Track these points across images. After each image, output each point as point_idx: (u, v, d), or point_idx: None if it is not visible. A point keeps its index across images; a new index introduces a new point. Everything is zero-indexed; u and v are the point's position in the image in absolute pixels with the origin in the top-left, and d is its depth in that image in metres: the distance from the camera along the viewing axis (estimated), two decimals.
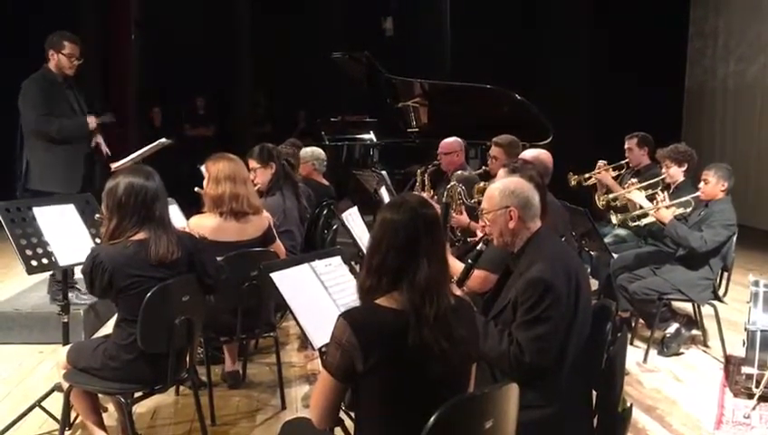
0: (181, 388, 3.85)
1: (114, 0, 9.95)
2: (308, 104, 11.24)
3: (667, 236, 4.69)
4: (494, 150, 4.92)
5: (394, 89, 8.38)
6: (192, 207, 4.13)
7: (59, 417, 3.23)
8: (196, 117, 11.11)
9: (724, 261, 4.47)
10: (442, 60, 11.18)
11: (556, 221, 3.61)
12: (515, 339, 2.46)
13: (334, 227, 5.40)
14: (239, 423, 3.64)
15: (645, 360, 4.51)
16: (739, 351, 4.14)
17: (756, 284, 4.03)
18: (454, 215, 4.64)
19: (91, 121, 4.75)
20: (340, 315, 1.98)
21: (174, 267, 2.85)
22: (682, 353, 4.66)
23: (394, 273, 2.00)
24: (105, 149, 4.87)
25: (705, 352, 4.73)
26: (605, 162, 5.66)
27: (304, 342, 4.50)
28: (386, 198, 5.34)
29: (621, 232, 5.44)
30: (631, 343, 4.65)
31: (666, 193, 4.69)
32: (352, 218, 4.39)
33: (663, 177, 4.97)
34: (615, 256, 4.92)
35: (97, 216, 3.25)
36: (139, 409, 3.58)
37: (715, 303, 4.49)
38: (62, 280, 3.51)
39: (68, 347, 3.09)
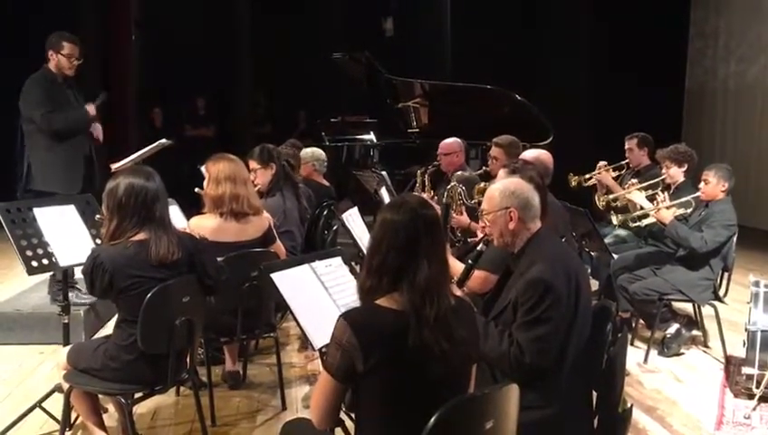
0: (181, 388, 3.85)
1: (114, 0, 9.95)
2: (308, 105, 11.24)
3: (667, 237, 4.69)
4: (494, 151, 4.92)
5: (394, 89, 8.38)
6: (192, 207, 4.13)
7: (59, 418, 3.23)
8: (197, 117, 11.11)
9: (725, 261, 4.47)
10: (442, 60, 11.17)
11: (556, 222, 3.61)
12: (515, 340, 2.46)
13: (334, 227, 5.40)
14: (239, 424, 3.64)
15: (645, 360, 4.51)
16: (739, 351, 4.14)
17: (757, 284, 4.03)
18: (454, 215, 4.64)
19: (91, 109, 4.76)
20: (340, 316, 1.98)
21: (174, 268, 2.85)
22: (682, 354, 4.66)
23: (394, 273, 2.00)
24: (100, 135, 4.86)
25: (705, 352, 4.73)
26: (605, 163, 5.67)
27: (305, 342, 4.49)
28: (386, 198, 5.34)
29: (622, 232, 5.44)
30: (632, 344, 4.65)
31: (666, 193, 4.69)
32: (352, 219, 4.39)
33: (663, 177, 4.97)
34: (615, 256, 4.92)
35: (97, 216, 3.25)
36: (140, 409, 3.58)
37: (716, 303, 4.49)
38: (63, 280, 3.51)
39: (68, 348, 3.09)
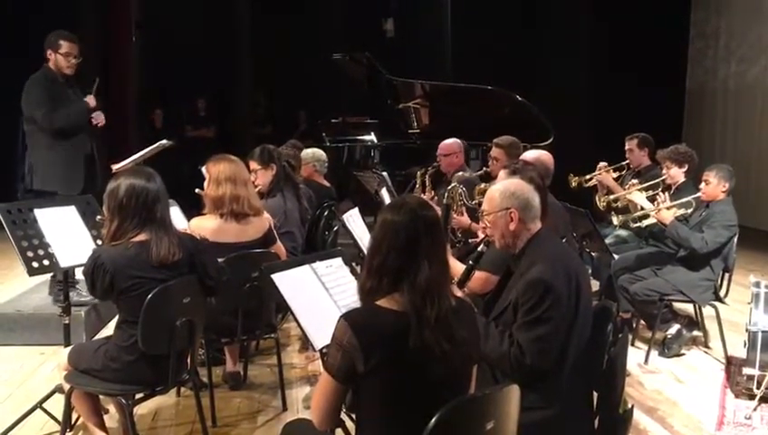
0: (182, 389, 3.85)
1: (114, 0, 9.95)
2: (308, 105, 11.24)
3: (668, 237, 4.70)
4: (494, 152, 4.92)
5: (395, 90, 8.37)
6: (193, 208, 4.13)
7: (60, 418, 3.23)
8: (198, 118, 11.11)
9: (726, 262, 4.47)
10: (442, 61, 11.17)
11: (557, 222, 3.61)
12: (516, 340, 2.46)
13: (335, 228, 5.40)
14: (240, 425, 3.64)
15: (646, 361, 4.50)
16: (740, 352, 4.13)
17: (757, 285, 4.03)
18: (455, 216, 4.64)
19: (91, 101, 4.75)
20: (340, 317, 1.98)
21: (175, 269, 2.85)
22: (683, 354, 4.66)
23: (395, 274, 2.00)
24: (101, 120, 4.85)
25: (706, 353, 4.73)
26: (606, 163, 5.67)
27: (305, 343, 4.50)
28: (387, 199, 5.34)
29: (622, 233, 5.44)
30: (632, 344, 4.65)
31: (666, 194, 4.69)
32: (353, 220, 4.40)
33: (664, 178, 4.97)
34: (616, 256, 4.92)
35: (98, 217, 3.26)
36: (140, 410, 3.59)
37: (716, 304, 4.49)
38: (63, 281, 3.51)
39: (69, 349, 3.09)
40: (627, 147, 5.68)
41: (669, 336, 4.66)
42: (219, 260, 3.30)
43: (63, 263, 3.24)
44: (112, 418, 3.40)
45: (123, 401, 2.88)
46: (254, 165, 4.49)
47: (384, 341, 1.94)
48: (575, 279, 2.53)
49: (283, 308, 3.66)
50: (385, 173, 6.49)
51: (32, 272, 3.15)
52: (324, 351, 2.49)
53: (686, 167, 4.86)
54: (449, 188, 4.71)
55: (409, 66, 9.39)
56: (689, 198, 4.58)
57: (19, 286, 5.51)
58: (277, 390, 3.91)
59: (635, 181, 5.20)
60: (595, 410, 2.57)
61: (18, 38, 7.96)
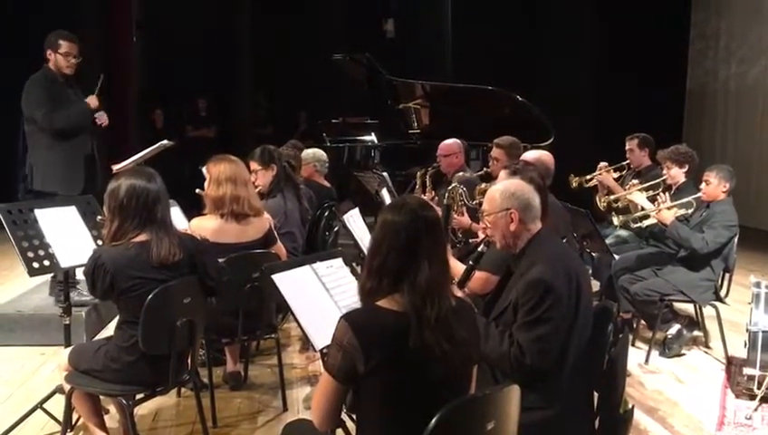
0: (183, 390, 3.85)
1: (115, 1, 9.96)
2: (309, 106, 11.25)
3: (668, 238, 4.69)
4: (495, 152, 4.93)
5: (395, 90, 8.38)
6: (193, 208, 4.13)
7: (61, 419, 3.23)
8: (198, 118, 11.12)
9: (726, 262, 4.47)
10: (443, 61, 11.18)
11: (557, 222, 3.61)
12: (516, 340, 2.46)
13: (335, 228, 5.40)
14: (240, 425, 3.64)
15: (646, 361, 4.50)
16: (741, 352, 4.14)
17: (758, 285, 4.03)
18: (455, 216, 4.64)
19: (92, 101, 4.74)
20: (341, 317, 1.98)
21: (176, 269, 2.85)
22: (683, 355, 4.66)
23: (395, 274, 2.00)
24: (105, 120, 4.84)
25: (706, 353, 4.72)
26: (606, 164, 5.67)
27: (306, 343, 4.50)
28: (387, 199, 5.34)
29: (623, 233, 5.44)
30: (633, 345, 4.66)
31: (667, 194, 4.69)
32: (354, 220, 4.40)
33: (664, 178, 4.97)
34: (616, 257, 4.91)
35: (99, 217, 3.26)
36: (141, 410, 3.59)
37: (717, 304, 4.49)
38: (64, 281, 3.51)
39: (69, 349, 3.09)
40: (627, 147, 5.68)
41: (670, 336, 4.66)
42: (220, 260, 3.30)
43: (64, 263, 3.24)
44: (113, 418, 3.40)
45: (124, 401, 2.88)
46: (254, 165, 4.49)
47: (384, 341, 1.94)
48: (575, 279, 2.53)
49: (284, 308, 3.67)
50: (385, 173, 6.50)
51: (32, 272, 3.15)
52: (325, 351, 2.49)
53: (687, 167, 4.86)
54: (450, 188, 4.70)
55: (410, 66, 9.39)
56: (690, 199, 4.58)
57: (19, 287, 5.51)
58: (278, 390, 3.91)
59: (635, 181, 5.20)
60: (595, 410, 2.57)
61: (18, 38, 7.97)
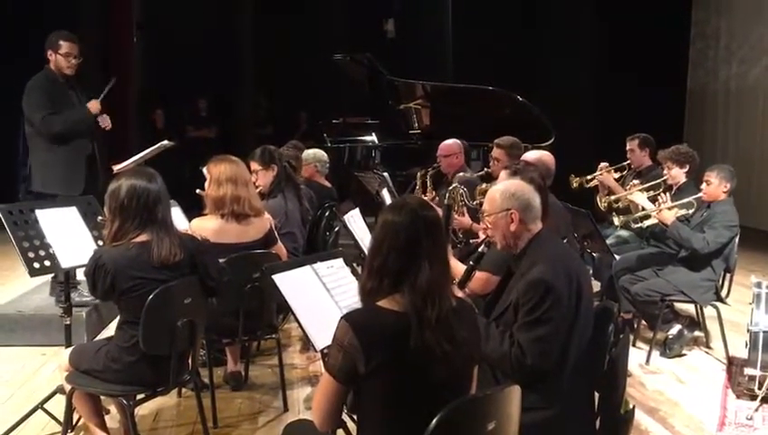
0: (183, 390, 3.85)
1: (115, 2, 9.96)
2: (309, 106, 11.25)
3: (669, 238, 4.69)
4: (495, 152, 4.93)
5: (396, 91, 8.38)
6: (194, 208, 4.13)
7: (61, 419, 3.24)
8: (199, 119, 11.12)
9: (727, 262, 4.47)
10: (444, 61, 11.17)
11: (558, 223, 3.61)
12: (517, 340, 2.46)
13: (336, 228, 5.40)
14: (241, 425, 3.64)
15: (647, 361, 4.50)
16: (742, 352, 4.13)
17: (759, 285, 4.02)
18: (456, 217, 4.64)
19: (93, 106, 4.72)
20: (341, 317, 1.98)
21: (176, 269, 2.85)
22: (684, 355, 4.65)
23: (395, 275, 2.00)
24: (107, 124, 4.83)
25: (707, 353, 4.72)
26: (607, 164, 5.67)
27: (306, 343, 4.50)
28: (388, 199, 5.35)
29: (623, 233, 5.44)
30: (634, 345, 4.66)
31: (668, 194, 4.69)
32: (354, 220, 4.40)
33: (665, 178, 4.97)
34: (617, 257, 4.91)
35: (99, 218, 3.26)
36: (142, 411, 3.59)
37: (718, 304, 4.48)
38: (64, 282, 3.51)
39: (70, 349, 3.09)
40: (628, 147, 5.68)
41: (671, 337, 4.65)
42: (220, 261, 3.30)
43: (65, 263, 3.24)
44: (113, 418, 3.40)
45: (124, 401, 2.88)
46: (255, 166, 4.49)
47: (385, 341, 1.94)
48: (576, 280, 2.53)
49: (285, 309, 3.67)
50: (386, 174, 6.50)
51: (33, 273, 3.15)
52: (325, 351, 2.49)
53: (688, 167, 4.86)
54: (450, 188, 4.71)
55: (410, 67, 9.40)
56: (690, 199, 4.58)
57: (20, 287, 5.51)
58: (278, 390, 3.91)
59: (636, 182, 5.20)
60: (596, 410, 2.57)
61: (18, 39, 7.97)
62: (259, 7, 11.33)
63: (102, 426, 3.09)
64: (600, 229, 4.72)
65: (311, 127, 10.71)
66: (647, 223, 4.82)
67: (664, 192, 4.77)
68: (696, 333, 4.77)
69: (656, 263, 4.75)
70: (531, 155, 4.28)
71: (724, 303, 4.52)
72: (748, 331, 3.89)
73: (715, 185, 4.43)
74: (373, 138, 8.52)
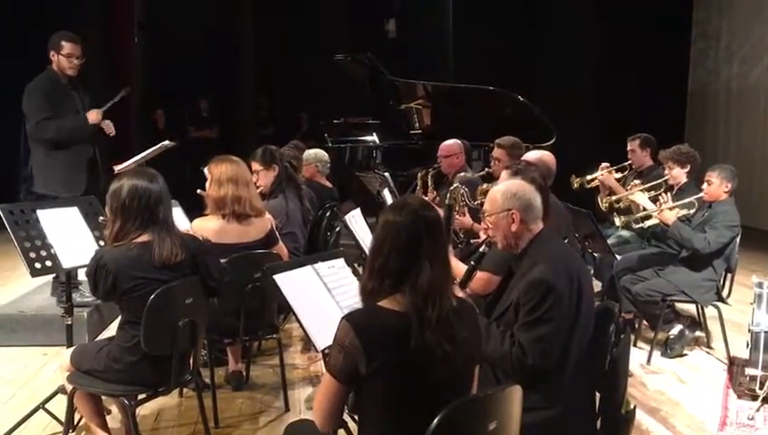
0: (185, 390, 3.86)
1: (116, 2, 9.96)
2: (310, 106, 11.26)
3: (670, 238, 4.69)
4: (496, 152, 4.92)
5: (397, 91, 8.38)
6: (195, 209, 4.13)
7: (63, 419, 3.25)
8: (200, 119, 11.13)
9: (728, 262, 4.46)
10: (445, 61, 11.18)
11: (559, 223, 3.61)
12: (517, 340, 2.46)
13: (337, 228, 5.40)
14: (242, 425, 3.64)
15: (648, 361, 4.50)
16: (743, 352, 4.13)
17: (760, 285, 4.02)
18: (457, 217, 4.64)
19: (92, 117, 4.68)
20: (343, 317, 1.98)
21: (178, 269, 2.86)
22: (685, 355, 4.65)
23: (396, 275, 2.00)
24: (111, 130, 4.82)
25: (708, 353, 4.72)
26: (608, 164, 5.66)
27: (307, 344, 4.50)
28: (389, 199, 5.35)
29: (625, 234, 5.44)
30: (635, 345, 4.66)
31: (669, 194, 4.69)
32: (355, 220, 4.40)
33: (666, 178, 4.97)
34: (618, 257, 4.91)
35: (101, 218, 3.26)
36: (143, 411, 3.59)
37: (719, 304, 4.48)
38: (66, 282, 3.51)
39: (72, 349, 3.10)
40: (629, 147, 5.68)
41: (672, 337, 4.65)
42: (222, 261, 3.31)
43: (66, 264, 3.25)
44: (115, 418, 3.40)
45: (126, 401, 2.88)
46: (256, 166, 4.49)
47: (386, 342, 1.94)
48: (577, 280, 2.53)
49: (286, 309, 3.67)
50: (387, 174, 6.50)
51: (34, 273, 3.15)
52: (326, 351, 2.49)
53: (689, 167, 4.86)
54: (452, 188, 4.71)
55: (411, 67, 9.40)
56: (692, 199, 4.58)
57: (22, 287, 5.52)
58: (279, 390, 3.92)
59: (637, 182, 5.20)
60: (597, 410, 2.57)
61: (19, 39, 7.97)
62: (259, 7, 11.34)
63: (104, 426, 3.09)
64: (601, 229, 4.72)
65: (312, 127, 10.73)
66: (648, 223, 4.82)
67: (665, 192, 4.77)
68: (698, 333, 4.77)
69: (657, 263, 4.75)
70: (532, 155, 4.28)
71: (726, 303, 4.52)
72: (749, 331, 3.89)
73: (717, 185, 4.43)
74: (374, 138, 8.52)
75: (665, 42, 10.29)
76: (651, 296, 4.48)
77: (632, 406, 2.51)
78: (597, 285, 4.89)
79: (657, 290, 4.48)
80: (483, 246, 2.91)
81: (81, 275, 4.05)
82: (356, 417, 2.15)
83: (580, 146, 8.44)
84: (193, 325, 2.94)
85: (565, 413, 2.46)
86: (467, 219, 4.65)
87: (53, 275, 4.46)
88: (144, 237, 2.80)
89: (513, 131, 5.10)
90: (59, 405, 3.35)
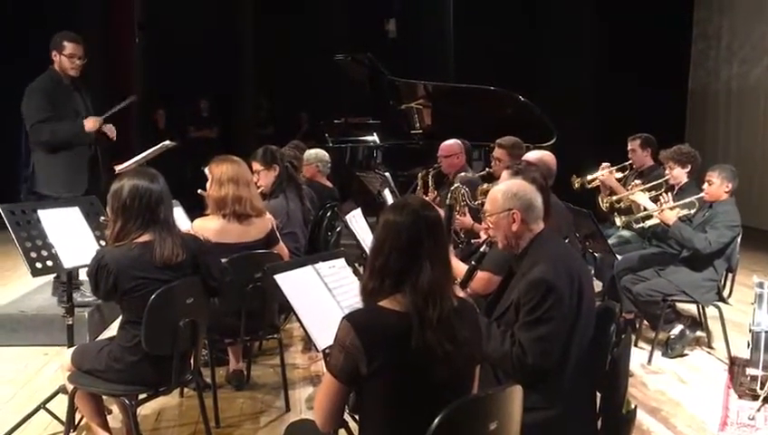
0: (185, 390, 3.86)
1: (116, 2, 9.96)
2: (310, 106, 11.25)
3: (671, 238, 4.69)
4: (497, 152, 4.92)
5: (397, 91, 8.37)
6: (196, 209, 4.13)
7: (64, 419, 3.25)
8: (200, 119, 11.13)
9: (729, 262, 4.47)
10: (445, 61, 11.17)
11: (560, 223, 3.61)
12: (518, 340, 2.46)
13: (338, 228, 5.40)
14: (243, 425, 3.65)
15: (649, 361, 4.50)
16: (744, 352, 4.14)
17: (761, 285, 4.03)
18: (458, 217, 4.64)
19: (89, 125, 4.66)
20: (343, 317, 1.98)
21: (178, 269, 2.86)
22: (686, 355, 4.65)
23: (397, 275, 2.00)
24: (113, 134, 4.82)
25: (709, 353, 4.72)
26: (608, 164, 5.66)
27: (308, 343, 4.51)
28: (389, 199, 5.35)
29: (625, 234, 5.44)
30: (635, 345, 4.66)
31: (669, 194, 4.69)
32: (356, 220, 4.39)
33: (666, 178, 4.97)
34: (619, 257, 4.91)
35: (102, 218, 3.26)
36: (144, 411, 3.59)
37: (720, 304, 4.48)
38: (67, 282, 3.52)
39: (72, 349, 3.10)
40: (629, 147, 5.68)
41: (672, 337, 4.65)
42: (222, 261, 3.31)
43: (67, 264, 3.25)
44: (115, 418, 3.40)
45: (126, 401, 2.88)
46: (256, 166, 4.49)
47: (387, 342, 1.94)
48: (577, 279, 2.53)
49: (286, 309, 3.67)
50: (388, 174, 6.50)
51: (35, 273, 3.15)
52: (327, 351, 2.49)
53: (689, 167, 4.86)
54: (452, 188, 4.71)
55: (412, 67, 9.39)
56: (692, 199, 4.58)
57: (22, 287, 5.52)
58: (280, 390, 3.92)
59: (638, 182, 5.20)
60: (598, 410, 2.57)
61: (19, 39, 7.97)
62: (259, 7, 11.33)
63: (104, 426, 3.09)
64: (601, 229, 4.72)
65: (312, 127, 10.72)
66: (648, 223, 4.82)
67: (666, 192, 4.77)
68: (698, 333, 4.77)
69: (657, 263, 4.75)
70: (532, 155, 4.28)
71: (726, 303, 4.52)
72: (750, 331, 3.89)
73: (717, 185, 4.43)
74: (375, 138, 8.52)
75: (665, 42, 10.28)
76: (652, 296, 4.48)
77: (633, 406, 2.51)
78: (598, 285, 4.88)
79: (657, 290, 4.48)
80: (483, 246, 2.91)
81: (82, 275, 4.05)
82: (357, 417, 2.15)
83: (580, 146, 8.44)
84: (194, 325, 2.94)
85: (566, 413, 2.46)
86: (468, 219, 4.65)
87: (54, 274, 4.46)
88: (145, 237, 2.80)
89: (513, 131, 5.10)
90: (60, 405, 3.35)
